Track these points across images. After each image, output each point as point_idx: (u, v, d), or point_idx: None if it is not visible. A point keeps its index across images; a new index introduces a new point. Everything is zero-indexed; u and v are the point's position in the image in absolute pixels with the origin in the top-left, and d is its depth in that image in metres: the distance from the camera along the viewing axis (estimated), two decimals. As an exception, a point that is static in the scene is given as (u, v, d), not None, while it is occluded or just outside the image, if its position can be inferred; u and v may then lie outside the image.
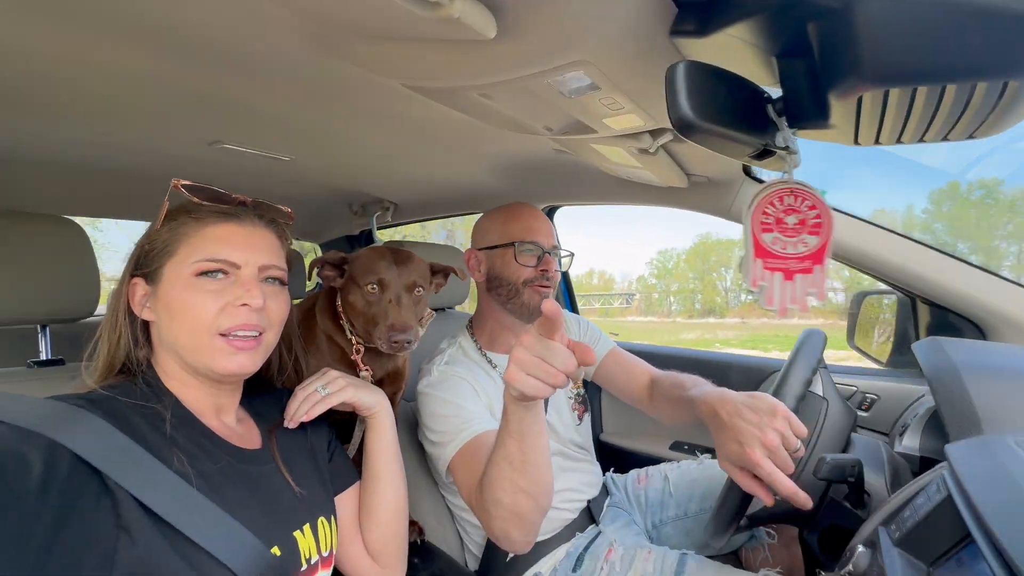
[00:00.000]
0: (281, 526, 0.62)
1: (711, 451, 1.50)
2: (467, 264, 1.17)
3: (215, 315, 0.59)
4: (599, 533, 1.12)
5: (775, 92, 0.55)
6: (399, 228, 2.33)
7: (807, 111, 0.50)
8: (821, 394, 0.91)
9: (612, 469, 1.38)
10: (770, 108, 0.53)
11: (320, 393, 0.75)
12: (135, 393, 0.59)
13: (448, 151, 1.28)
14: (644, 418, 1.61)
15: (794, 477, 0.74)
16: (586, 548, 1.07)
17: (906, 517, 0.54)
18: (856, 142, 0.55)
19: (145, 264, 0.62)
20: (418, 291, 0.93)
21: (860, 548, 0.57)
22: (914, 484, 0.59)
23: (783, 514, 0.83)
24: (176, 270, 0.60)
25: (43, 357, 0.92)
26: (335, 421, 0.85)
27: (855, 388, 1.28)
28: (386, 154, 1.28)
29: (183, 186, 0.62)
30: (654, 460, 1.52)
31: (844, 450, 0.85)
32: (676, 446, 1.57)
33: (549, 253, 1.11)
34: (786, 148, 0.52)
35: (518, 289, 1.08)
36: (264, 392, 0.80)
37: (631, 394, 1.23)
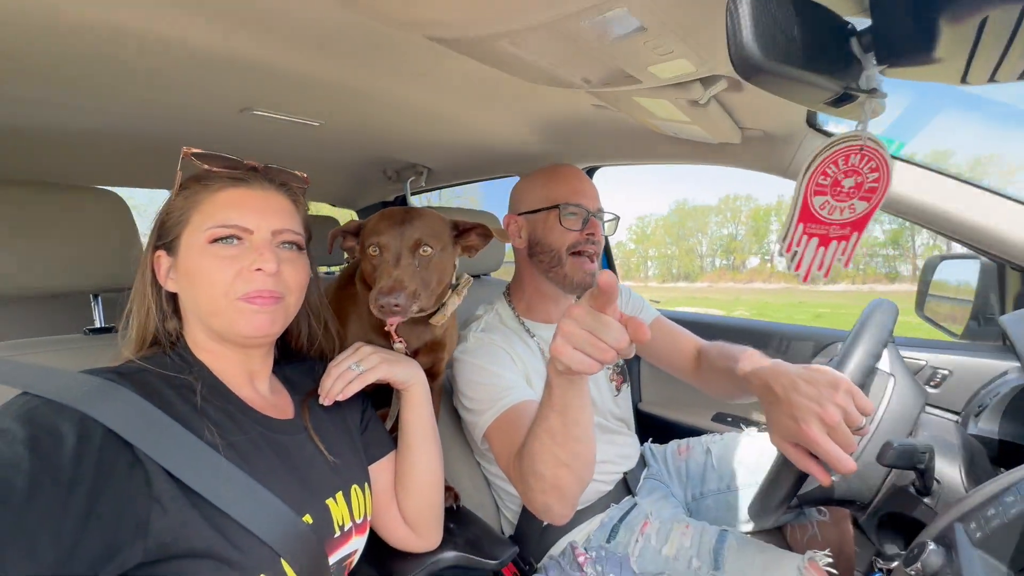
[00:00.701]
0: (313, 494, 0.63)
1: (757, 424, 1.44)
2: (507, 229, 1.12)
3: (231, 280, 0.59)
4: (635, 505, 1.11)
5: (861, 23, 0.46)
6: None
7: (904, 43, 0.41)
8: (888, 370, 0.83)
9: (651, 439, 1.35)
10: (854, 42, 0.44)
11: (354, 371, 0.74)
12: (166, 365, 0.60)
13: (481, 110, 1.22)
14: (685, 388, 1.55)
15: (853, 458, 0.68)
16: (621, 519, 1.05)
17: (990, 516, 0.48)
18: (964, 80, 0.45)
19: (165, 235, 0.63)
20: (424, 250, 0.81)
21: (932, 545, 0.51)
22: (1002, 479, 0.53)
23: (839, 497, 0.78)
24: (191, 238, 0.60)
25: (97, 325, 0.97)
26: (371, 389, 0.84)
27: (924, 362, 1.17)
28: (416, 115, 1.23)
29: (193, 154, 0.62)
30: (695, 431, 1.48)
31: (911, 433, 0.77)
32: (719, 418, 1.51)
33: (595, 216, 1.05)
34: (871, 91, 0.44)
35: (561, 257, 1.03)
36: (297, 361, 0.81)
37: (676, 365, 1.18)
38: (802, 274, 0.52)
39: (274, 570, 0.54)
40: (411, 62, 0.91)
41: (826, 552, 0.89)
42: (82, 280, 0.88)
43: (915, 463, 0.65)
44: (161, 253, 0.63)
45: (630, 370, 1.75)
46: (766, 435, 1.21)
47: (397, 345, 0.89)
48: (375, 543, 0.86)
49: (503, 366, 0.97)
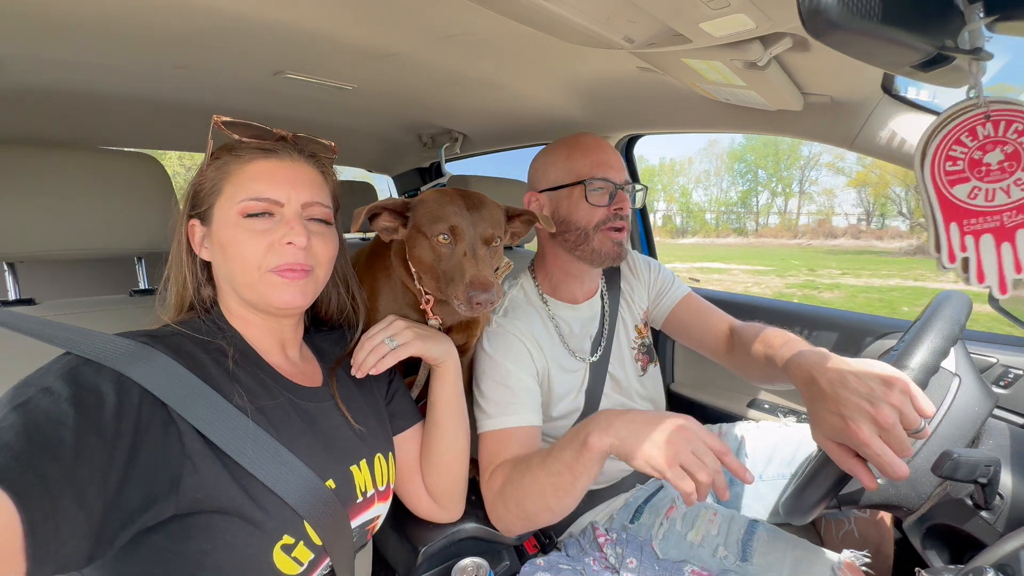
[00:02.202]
0: (337, 460, 0.64)
1: (797, 414, 1.37)
2: (528, 208, 1.06)
3: (263, 254, 0.60)
4: (661, 487, 1.08)
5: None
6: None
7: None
8: (952, 368, 0.75)
9: (661, 403, 1.31)
10: (956, -10, 0.36)
11: (388, 345, 0.74)
12: (201, 329, 0.62)
13: (517, 73, 1.16)
14: (720, 371, 1.49)
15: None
16: (646, 500, 1.04)
17: None
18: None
19: (198, 204, 0.64)
20: (495, 243, 0.80)
21: (990, 572, 0.46)
22: None
23: (882, 501, 0.72)
24: (224, 209, 0.61)
25: (141, 287, 1.01)
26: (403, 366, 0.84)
27: (994, 360, 1.06)
28: (451, 78, 1.18)
29: (223, 123, 0.61)
30: (729, 416, 1.43)
31: (974, 440, 0.70)
32: (755, 404, 1.45)
33: (622, 189, 0.98)
34: (974, 51, 0.36)
35: (588, 234, 0.97)
36: (327, 330, 0.82)
37: (707, 345, 1.12)
38: (994, 284, 0.42)
39: (297, 531, 0.56)
40: (444, 22, 0.87)
41: (864, 553, 0.84)
42: (125, 243, 0.91)
43: (976, 477, 0.59)
44: (195, 222, 0.64)
45: (662, 351, 1.69)
46: (805, 426, 1.15)
47: (432, 322, 0.87)
48: (398, 508, 0.88)
49: (520, 365, 0.94)
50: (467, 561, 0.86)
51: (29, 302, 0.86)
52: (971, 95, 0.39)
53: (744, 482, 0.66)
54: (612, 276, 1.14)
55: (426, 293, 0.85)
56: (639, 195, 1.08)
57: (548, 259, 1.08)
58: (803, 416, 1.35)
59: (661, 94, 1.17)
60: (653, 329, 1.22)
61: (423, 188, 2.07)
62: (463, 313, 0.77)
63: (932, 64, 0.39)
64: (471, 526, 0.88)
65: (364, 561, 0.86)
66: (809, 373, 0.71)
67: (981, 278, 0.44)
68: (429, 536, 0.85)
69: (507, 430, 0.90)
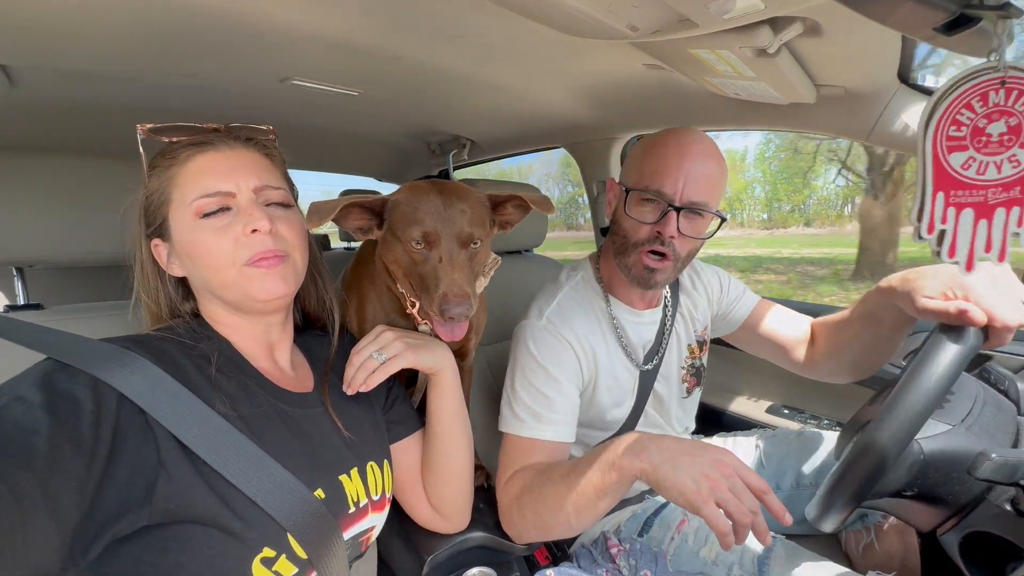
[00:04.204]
0: (326, 469, 0.62)
1: (818, 419, 1.32)
2: (607, 195, 0.96)
3: (232, 250, 0.57)
4: None
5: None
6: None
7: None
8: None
9: (692, 432, 1.27)
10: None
11: (376, 360, 0.71)
12: (187, 335, 0.60)
13: (524, 75, 1.15)
14: (738, 376, 1.45)
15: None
16: (656, 512, 0.99)
17: None
18: None
19: (152, 220, 0.61)
20: (474, 245, 0.73)
21: None
22: None
23: (921, 495, 0.66)
24: (179, 217, 0.59)
25: None
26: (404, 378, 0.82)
27: None
28: (457, 81, 1.18)
29: (150, 129, 0.60)
30: (746, 423, 1.38)
31: (1017, 442, 0.66)
32: (774, 410, 1.40)
33: (678, 210, 0.81)
34: (1001, 7, 0.34)
35: (627, 249, 0.88)
36: (318, 329, 0.79)
37: (786, 349, 1.07)
38: (962, 261, 0.41)
39: (279, 544, 0.53)
40: (447, 22, 0.86)
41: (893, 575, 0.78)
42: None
43: (1018, 479, 0.55)
44: (157, 241, 0.62)
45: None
46: (825, 434, 1.10)
47: (422, 327, 0.83)
48: (404, 516, 0.85)
49: (565, 374, 0.88)
50: (475, 571, 0.82)
51: (37, 307, 0.86)
52: (992, 59, 0.36)
53: (783, 524, 0.61)
54: (672, 286, 1.05)
55: (409, 297, 0.79)
56: (711, 223, 0.87)
57: (608, 252, 0.97)
58: (824, 421, 1.30)
59: (670, 93, 1.15)
60: (718, 341, 1.17)
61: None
62: (437, 322, 0.72)
63: (955, 26, 0.37)
64: (479, 535, 0.85)
65: (368, 570, 0.83)
66: (894, 277, 0.80)
67: (952, 252, 0.44)
68: (436, 545, 0.82)
69: (536, 440, 0.85)
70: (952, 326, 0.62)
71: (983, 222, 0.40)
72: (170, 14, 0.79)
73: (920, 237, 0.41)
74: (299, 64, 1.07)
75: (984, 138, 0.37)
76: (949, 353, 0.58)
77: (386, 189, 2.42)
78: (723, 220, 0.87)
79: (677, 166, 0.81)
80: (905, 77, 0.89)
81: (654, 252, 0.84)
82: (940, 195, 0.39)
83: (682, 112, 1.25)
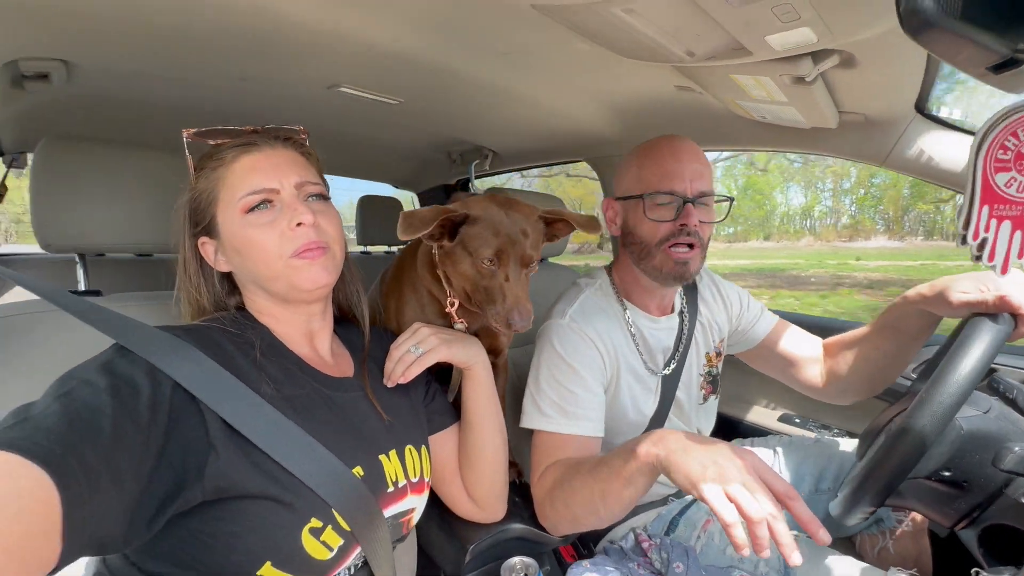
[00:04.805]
0: (365, 449, 0.65)
1: (829, 428, 1.37)
2: (604, 215, 1.04)
3: (279, 244, 0.61)
4: (695, 500, 1.07)
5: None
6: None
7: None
8: None
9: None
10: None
11: (414, 353, 0.75)
12: (232, 325, 0.63)
13: (556, 90, 1.21)
14: (752, 384, 1.50)
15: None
16: (680, 513, 1.02)
17: None
18: None
19: (200, 219, 0.65)
20: (533, 264, 0.80)
21: None
22: None
23: (953, 481, 0.71)
24: (227, 214, 0.62)
25: None
26: (435, 370, 0.84)
27: None
28: (492, 92, 1.23)
29: (195, 133, 0.65)
30: (760, 431, 1.43)
31: None
32: (786, 419, 1.45)
33: (692, 202, 0.90)
34: (1047, 53, 0.40)
35: (650, 251, 0.93)
36: (352, 324, 0.82)
37: (802, 366, 1.12)
38: (998, 265, 0.47)
39: (325, 515, 0.56)
40: (503, 37, 0.91)
41: (912, 572, 0.83)
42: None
43: None
44: (204, 239, 0.65)
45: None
46: (839, 440, 1.15)
47: (458, 325, 0.88)
48: (444, 508, 0.88)
49: (590, 371, 0.92)
50: (516, 560, 0.86)
51: (96, 293, 0.89)
52: (1032, 97, 0.42)
53: (818, 542, 0.57)
54: (691, 295, 1.10)
55: (452, 296, 0.85)
56: (721, 205, 0.98)
57: (622, 264, 1.04)
58: (835, 430, 1.36)
59: (695, 113, 1.22)
60: (730, 356, 1.21)
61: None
62: (496, 330, 0.78)
63: (1004, 67, 0.43)
64: (518, 526, 0.88)
65: (408, 559, 0.86)
66: (923, 286, 0.85)
67: (992, 258, 0.51)
68: (477, 535, 0.85)
69: (565, 436, 0.89)
70: (986, 313, 0.68)
71: (1019, 232, 0.46)
72: (226, 15, 0.83)
73: (966, 243, 0.47)
74: (348, 71, 1.11)
75: (1025, 162, 0.43)
76: (990, 331, 0.63)
77: (403, 196, 2.47)
78: (732, 201, 0.99)
79: (676, 167, 0.91)
80: (921, 108, 0.97)
81: (680, 245, 0.92)
82: (985, 208, 0.45)
83: (706, 131, 1.32)
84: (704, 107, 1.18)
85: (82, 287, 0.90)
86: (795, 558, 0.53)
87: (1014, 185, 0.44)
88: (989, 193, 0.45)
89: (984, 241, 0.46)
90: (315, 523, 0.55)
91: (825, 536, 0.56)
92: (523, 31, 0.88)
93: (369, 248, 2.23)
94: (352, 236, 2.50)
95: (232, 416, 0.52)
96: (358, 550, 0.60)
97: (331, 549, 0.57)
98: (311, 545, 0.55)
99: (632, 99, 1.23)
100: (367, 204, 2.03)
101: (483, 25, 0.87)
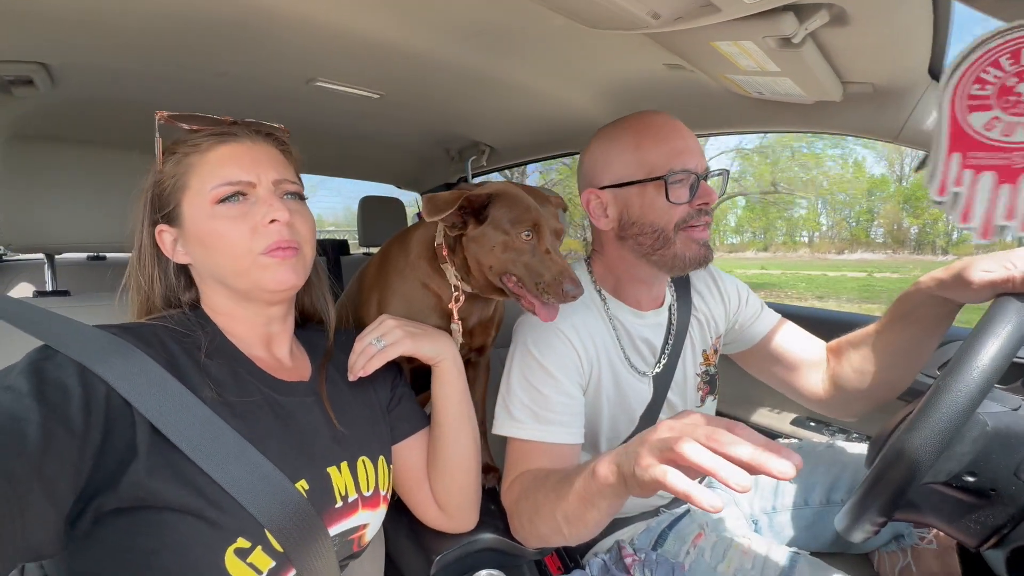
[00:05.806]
0: (312, 460, 0.60)
1: (845, 431, 1.26)
2: (587, 209, 0.93)
3: (249, 238, 0.58)
4: (687, 512, 0.97)
5: None
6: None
7: None
8: None
9: None
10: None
11: (375, 346, 0.71)
12: (182, 324, 0.59)
13: (543, 76, 1.16)
14: (762, 384, 1.40)
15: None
16: (670, 526, 0.94)
17: None
18: None
19: (163, 206, 0.61)
20: (560, 238, 0.81)
21: None
22: None
23: (977, 489, 0.60)
24: (195, 203, 0.59)
25: None
26: (413, 366, 0.81)
27: None
28: (477, 82, 1.19)
29: (170, 116, 0.60)
30: (771, 435, 1.33)
31: None
32: (799, 422, 1.34)
33: (704, 179, 0.83)
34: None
35: (668, 237, 0.83)
36: (319, 328, 0.78)
37: (803, 369, 1.01)
38: (977, 227, 0.39)
39: (255, 536, 0.51)
40: (466, 17, 0.88)
41: None
42: None
43: None
44: (163, 227, 0.61)
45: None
46: (854, 446, 1.05)
47: (454, 326, 0.84)
48: (412, 516, 0.83)
49: (564, 371, 0.84)
50: (484, 573, 0.80)
51: (64, 293, 0.88)
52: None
53: (793, 464, 0.46)
54: (682, 287, 1.00)
55: (459, 290, 0.83)
56: (716, 180, 0.90)
57: (610, 257, 0.93)
58: (853, 435, 1.24)
59: (691, 94, 1.14)
60: (725, 355, 1.11)
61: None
62: (552, 302, 0.77)
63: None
64: (489, 536, 0.82)
65: (375, 570, 0.81)
66: (940, 271, 0.68)
67: (965, 217, 0.41)
68: (443, 546, 0.80)
69: (537, 443, 0.82)
70: (1015, 293, 0.57)
71: (1006, 186, 0.37)
72: (203, 9, 0.82)
73: (934, 200, 0.39)
74: (324, 64, 1.09)
75: (1013, 97, 0.35)
76: (1019, 312, 0.53)
77: (406, 196, 2.45)
78: (727, 172, 0.92)
79: (684, 142, 0.83)
80: (936, 73, 0.86)
81: (698, 226, 0.84)
82: (956, 156, 0.37)
83: (704, 114, 1.24)
84: (700, 87, 1.10)
85: (49, 287, 0.90)
86: (790, 467, 0.45)
87: (997, 127, 0.35)
88: (960, 138, 0.36)
89: (957, 196, 0.37)
90: (242, 543, 0.50)
91: (797, 459, 0.46)
92: (487, 9, 0.84)
93: (371, 249, 2.23)
94: (352, 237, 2.51)
95: (157, 416, 0.48)
96: (292, 573, 0.55)
97: (259, 572, 0.51)
98: (235, 567, 0.50)
99: (623, 82, 1.17)
100: (368, 205, 2.02)
101: (447, 5, 0.83)
